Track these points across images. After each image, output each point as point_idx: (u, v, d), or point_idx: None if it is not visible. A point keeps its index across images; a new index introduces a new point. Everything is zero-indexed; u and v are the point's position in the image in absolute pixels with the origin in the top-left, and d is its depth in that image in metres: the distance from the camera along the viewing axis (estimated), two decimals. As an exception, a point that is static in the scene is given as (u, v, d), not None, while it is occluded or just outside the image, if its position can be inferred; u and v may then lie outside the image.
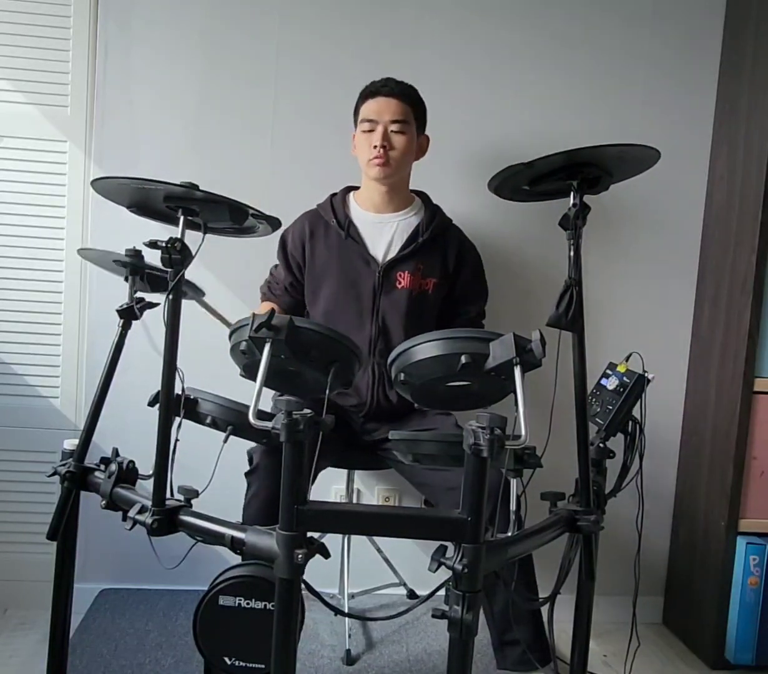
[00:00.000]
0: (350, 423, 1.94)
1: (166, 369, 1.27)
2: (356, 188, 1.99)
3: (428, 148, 1.96)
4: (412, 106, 1.88)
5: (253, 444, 1.65)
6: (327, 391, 1.25)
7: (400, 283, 1.88)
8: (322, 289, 1.92)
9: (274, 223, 1.40)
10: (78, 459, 1.47)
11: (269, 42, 2.10)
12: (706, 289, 2.22)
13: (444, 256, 1.93)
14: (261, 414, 1.14)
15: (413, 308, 1.89)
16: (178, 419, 1.36)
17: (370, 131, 1.84)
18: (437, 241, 1.93)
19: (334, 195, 1.98)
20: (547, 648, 1.76)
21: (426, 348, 1.23)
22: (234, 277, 2.11)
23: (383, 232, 1.92)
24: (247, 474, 1.72)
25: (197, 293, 1.60)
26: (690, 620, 2.18)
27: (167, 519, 1.26)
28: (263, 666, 1.23)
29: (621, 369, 1.58)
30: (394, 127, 1.84)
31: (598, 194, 1.33)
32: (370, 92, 1.87)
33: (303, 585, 1.14)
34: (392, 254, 1.90)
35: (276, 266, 2.01)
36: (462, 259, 1.96)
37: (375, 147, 1.82)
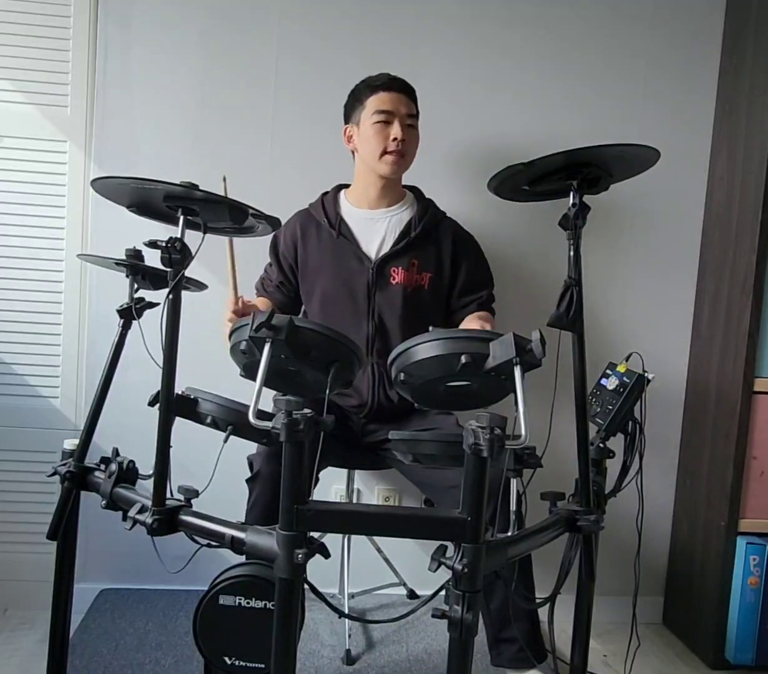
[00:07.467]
0: (351, 425, 1.93)
1: (166, 369, 1.27)
2: (347, 185, 1.98)
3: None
4: (416, 104, 1.88)
5: (252, 446, 1.65)
6: (327, 391, 1.25)
7: (394, 278, 1.87)
8: (317, 290, 1.91)
9: (273, 223, 1.40)
10: (78, 459, 1.47)
11: (269, 42, 2.10)
12: (706, 288, 2.22)
13: (438, 249, 1.92)
14: (261, 414, 1.14)
15: (409, 304, 1.88)
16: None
17: (386, 123, 1.82)
18: (431, 234, 1.91)
19: (325, 194, 1.97)
20: (543, 645, 1.77)
21: (426, 348, 1.23)
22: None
23: (375, 228, 1.91)
24: (248, 481, 1.72)
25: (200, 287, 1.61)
26: (690, 620, 2.18)
27: (167, 519, 1.26)
28: (263, 666, 1.23)
29: (621, 369, 1.58)
30: (408, 121, 1.84)
31: (598, 194, 1.34)
32: (380, 85, 1.83)
33: (306, 586, 1.14)
34: (385, 250, 1.89)
35: (270, 264, 2.01)
36: (459, 249, 1.94)
37: (395, 139, 1.81)
